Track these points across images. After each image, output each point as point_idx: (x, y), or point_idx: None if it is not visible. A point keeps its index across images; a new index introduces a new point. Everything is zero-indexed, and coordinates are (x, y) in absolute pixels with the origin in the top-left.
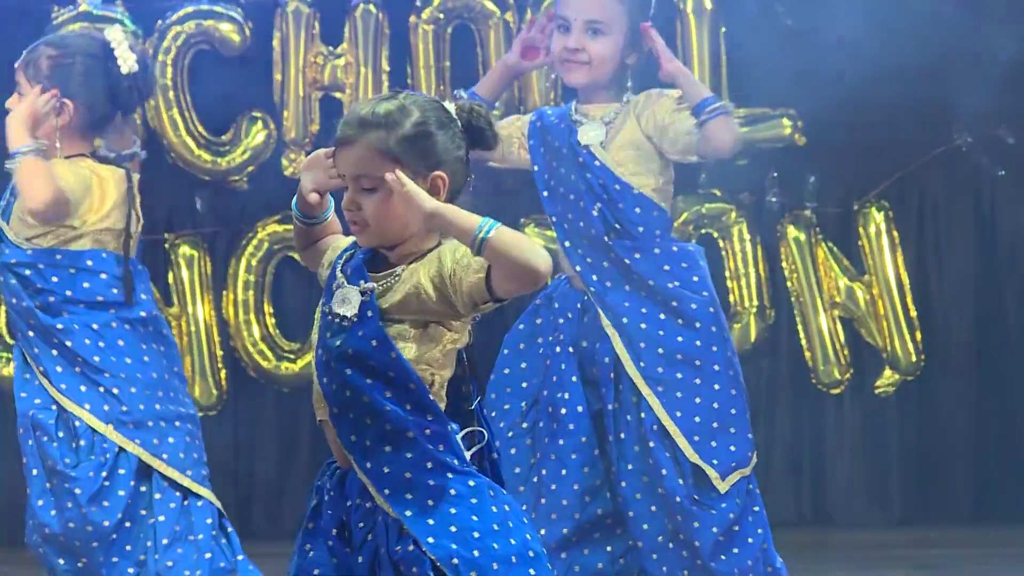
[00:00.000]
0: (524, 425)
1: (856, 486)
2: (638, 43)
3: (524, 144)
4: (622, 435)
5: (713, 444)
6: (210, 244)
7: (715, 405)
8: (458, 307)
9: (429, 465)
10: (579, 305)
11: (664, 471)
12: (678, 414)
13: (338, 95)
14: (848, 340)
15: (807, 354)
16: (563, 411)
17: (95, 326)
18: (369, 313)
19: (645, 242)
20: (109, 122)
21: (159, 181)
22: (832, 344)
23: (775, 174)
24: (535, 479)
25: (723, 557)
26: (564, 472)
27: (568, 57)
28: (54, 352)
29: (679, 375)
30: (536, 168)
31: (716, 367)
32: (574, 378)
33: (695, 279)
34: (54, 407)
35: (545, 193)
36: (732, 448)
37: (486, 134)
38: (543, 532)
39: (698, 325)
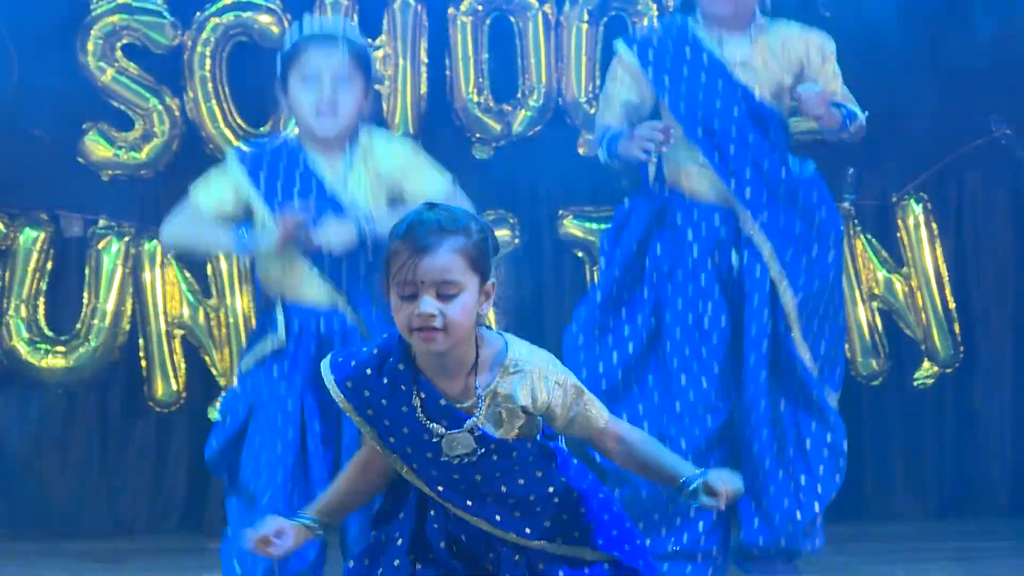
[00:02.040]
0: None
1: (894, 478)
2: None
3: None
4: (763, 347)
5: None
6: None
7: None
8: (554, 426)
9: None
10: (716, 215)
11: (798, 368)
12: (800, 296)
13: (377, 87)
14: (887, 332)
15: (845, 346)
16: (704, 325)
17: None
18: (493, 445)
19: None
20: None
21: (197, 173)
22: (871, 336)
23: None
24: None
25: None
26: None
27: None
28: None
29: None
30: (667, 101)
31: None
32: (716, 286)
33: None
34: None
35: (681, 107)
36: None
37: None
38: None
39: (831, 234)
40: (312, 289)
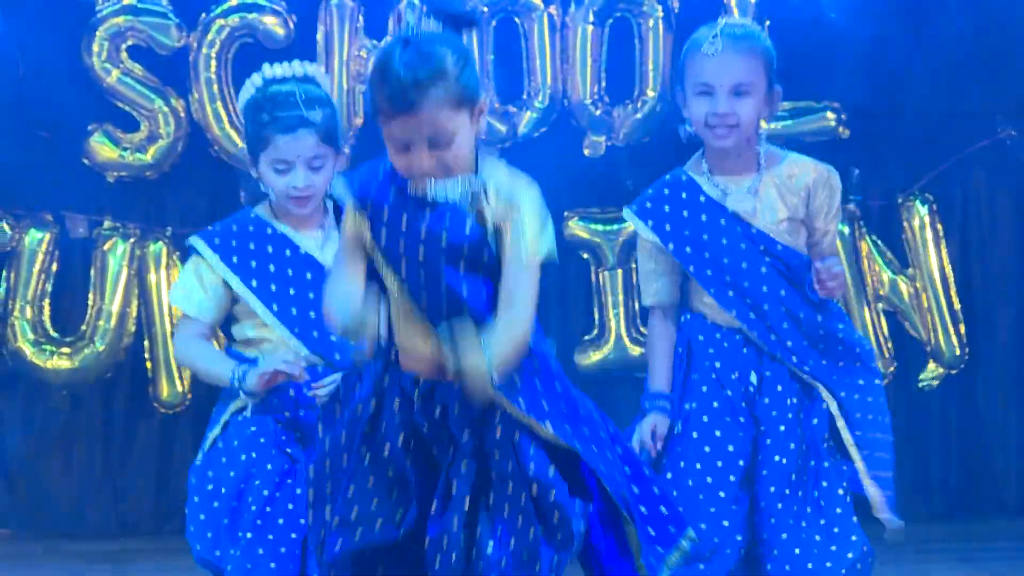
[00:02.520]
0: (664, 461)
1: (899, 479)
2: (772, 102)
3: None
4: (783, 460)
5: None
6: None
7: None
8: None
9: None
10: (738, 337)
11: (841, 491)
12: (858, 433)
13: None
14: (892, 333)
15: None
16: (717, 433)
17: None
18: (485, 257)
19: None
20: None
21: (203, 174)
22: (876, 337)
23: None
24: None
25: None
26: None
27: (716, 123)
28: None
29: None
30: (692, 270)
31: (881, 399)
32: (744, 404)
33: (844, 327)
34: None
35: (709, 273)
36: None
37: (471, 24)
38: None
39: (872, 364)
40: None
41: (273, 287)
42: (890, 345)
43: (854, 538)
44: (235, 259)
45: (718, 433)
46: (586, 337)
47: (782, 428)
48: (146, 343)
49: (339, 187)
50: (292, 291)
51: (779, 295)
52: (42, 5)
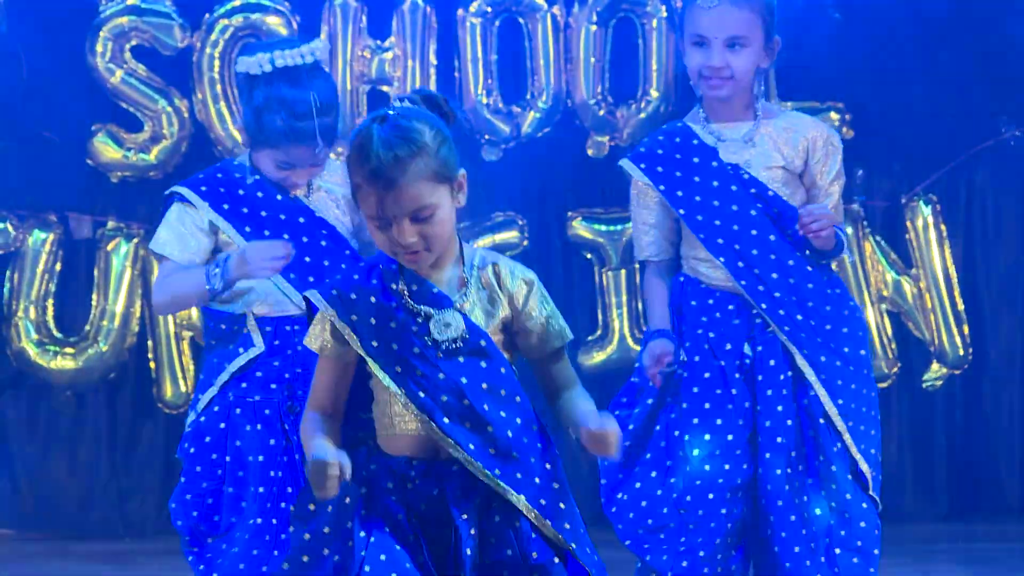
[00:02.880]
0: (657, 427)
1: (903, 480)
2: (771, 52)
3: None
4: (780, 439)
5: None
6: None
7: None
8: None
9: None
10: (731, 307)
11: (834, 467)
12: (840, 401)
13: (386, 88)
14: (896, 334)
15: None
16: (706, 405)
17: None
18: (483, 343)
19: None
20: None
21: None
22: (880, 338)
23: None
24: (672, 480)
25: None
26: (707, 468)
27: (710, 74)
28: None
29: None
30: (682, 212)
31: (865, 371)
32: (737, 375)
33: (840, 291)
34: None
35: (699, 218)
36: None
37: (450, 116)
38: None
39: (860, 333)
40: (283, 299)
41: (267, 233)
42: (894, 346)
43: (846, 514)
44: (226, 206)
45: (707, 406)
46: (589, 337)
47: (779, 408)
48: (150, 343)
49: (316, 299)
50: (286, 236)
51: (768, 240)
52: (46, 5)
